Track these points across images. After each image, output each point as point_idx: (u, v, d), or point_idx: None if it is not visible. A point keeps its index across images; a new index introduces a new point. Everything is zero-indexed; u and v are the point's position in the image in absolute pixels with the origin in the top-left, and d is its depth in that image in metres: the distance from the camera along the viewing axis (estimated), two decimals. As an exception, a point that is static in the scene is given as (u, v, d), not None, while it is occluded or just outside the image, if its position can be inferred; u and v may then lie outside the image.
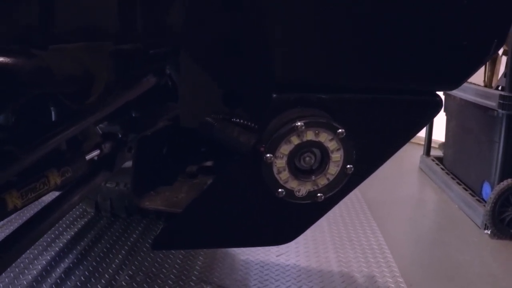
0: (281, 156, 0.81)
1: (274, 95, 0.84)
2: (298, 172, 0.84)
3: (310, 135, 0.80)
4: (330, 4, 0.83)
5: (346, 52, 0.85)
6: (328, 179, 0.84)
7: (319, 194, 0.85)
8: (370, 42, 0.85)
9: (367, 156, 0.89)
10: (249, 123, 0.91)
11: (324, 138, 0.81)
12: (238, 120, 0.92)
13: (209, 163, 1.14)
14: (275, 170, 0.82)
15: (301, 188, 0.84)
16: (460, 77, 0.91)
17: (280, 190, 0.84)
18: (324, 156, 0.84)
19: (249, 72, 0.88)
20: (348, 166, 0.84)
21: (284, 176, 0.82)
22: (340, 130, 0.81)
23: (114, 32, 1.00)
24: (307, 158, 0.82)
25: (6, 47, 0.90)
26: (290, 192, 0.84)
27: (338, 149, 0.83)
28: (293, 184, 0.83)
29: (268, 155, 0.81)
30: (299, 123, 0.79)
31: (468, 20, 0.86)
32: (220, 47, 0.90)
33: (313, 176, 0.84)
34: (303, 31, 0.83)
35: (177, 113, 1.38)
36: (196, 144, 1.20)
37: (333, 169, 0.84)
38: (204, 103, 0.93)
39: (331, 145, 0.82)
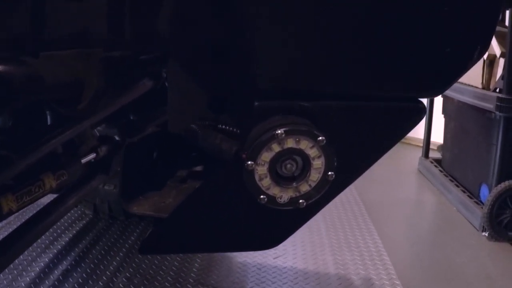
0: (263, 163, 0.82)
1: (256, 103, 0.85)
2: (280, 179, 0.85)
3: (290, 143, 0.82)
4: (312, 12, 0.83)
5: (328, 59, 0.86)
6: (310, 185, 0.85)
7: (301, 201, 0.86)
8: (352, 50, 0.86)
9: (349, 163, 0.90)
10: (234, 130, 0.92)
11: (305, 145, 0.82)
12: (223, 126, 0.93)
13: (199, 168, 1.15)
14: (256, 177, 0.83)
15: (283, 195, 0.85)
16: (443, 84, 0.92)
17: (262, 196, 0.85)
18: (306, 163, 0.85)
19: (234, 79, 0.90)
20: (330, 173, 0.85)
21: (265, 182, 0.84)
22: (320, 138, 0.83)
23: (104, 39, 1.01)
24: (289, 165, 0.84)
25: (-3, 55, 0.91)
26: (272, 199, 0.85)
27: (319, 156, 0.84)
28: (275, 191, 0.84)
29: (249, 162, 0.82)
30: (279, 131, 0.80)
31: (450, 27, 0.87)
32: (206, 54, 0.91)
33: (295, 183, 0.85)
34: (285, 39, 0.84)
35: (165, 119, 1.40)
36: (186, 149, 1.21)
37: (314, 176, 0.85)
38: (191, 109, 0.94)
39: (312, 152, 0.83)
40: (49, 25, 0.98)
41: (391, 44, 0.87)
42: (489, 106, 2.91)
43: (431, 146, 4.16)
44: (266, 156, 0.82)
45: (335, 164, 0.85)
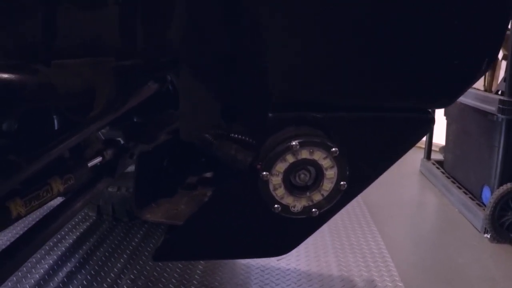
0: (277, 173, 0.84)
1: (271, 114, 0.87)
2: (294, 189, 0.86)
3: (304, 154, 0.83)
4: (327, 27, 0.85)
5: (341, 71, 0.87)
6: (322, 195, 0.87)
7: (313, 210, 0.88)
8: (364, 62, 0.87)
9: (360, 172, 0.92)
10: (247, 139, 0.93)
11: (319, 156, 0.84)
12: (236, 135, 0.94)
13: (208, 175, 1.16)
14: (271, 187, 0.84)
15: (297, 204, 0.86)
16: (452, 95, 0.93)
17: (276, 205, 0.86)
18: (319, 173, 0.86)
19: (246, 91, 0.91)
20: (342, 182, 0.87)
21: (280, 192, 0.85)
22: (333, 149, 0.84)
23: (115, 48, 1.02)
24: (302, 175, 0.85)
25: (9, 63, 0.92)
26: (285, 208, 0.86)
27: (332, 167, 0.85)
28: (288, 200, 0.86)
29: (264, 172, 0.83)
30: (294, 143, 0.82)
31: (460, 40, 0.88)
32: (219, 64, 0.92)
33: (308, 192, 0.87)
34: (299, 51, 0.85)
35: (177, 126, 1.40)
36: (196, 155, 1.22)
37: (327, 186, 0.86)
38: (203, 118, 0.95)
39: (325, 163, 0.85)
40: (61, 33, 0.99)
41: (402, 57, 0.88)
42: (491, 108, 2.92)
43: (433, 148, 4.17)
44: (281, 166, 0.83)
45: (347, 174, 0.86)
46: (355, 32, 0.85)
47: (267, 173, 0.83)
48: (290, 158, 0.83)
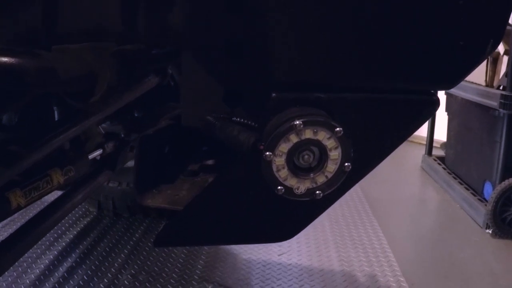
0: (280, 154, 0.83)
1: (274, 94, 0.86)
2: (297, 170, 0.85)
3: (308, 134, 0.82)
4: (329, 5, 0.84)
5: (345, 52, 0.87)
6: (326, 176, 0.86)
7: (317, 192, 0.87)
8: (368, 42, 0.86)
9: (365, 155, 0.91)
10: (249, 122, 0.92)
11: (322, 136, 0.83)
12: (238, 119, 0.93)
13: (210, 162, 1.15)
14: (274, 168, 0.83)
15: (300, 186, 0.85)
16: (456, 77, 0.92)
17: (279, 187, 0.85)
18: (323, 154, 0.85)
19: (249, 72, 0.90)
20: (346, 164, 0.86)
21: (283, 173, 0.84)
22: (338, 129, 0.83)
23: (117, 33, 1.01)
24: (306, 156, 0.84)
25: (10, 47, 0.91)
26: (289, 190, 0.85)
27: (336, 147, 0.84)
28: (292, 182, 0.85)
29: (267, 153, 0.82)
30: (297, 122, 0.81)
31: (464, 20, 0.88)
32: (221, 46, 0.91)
33: (312, 174, 0.86)
34: (302, 31, 0.85)
35: (178, 113, 1.40)
36: (197, 143, 1.21)
37: (331, 167, 0.85)
38: (205, 103, 0.94)
39: (329, 143, 0.84)
40: (61, 18, 0.98)
41: (406, 37, 0.88)
42: (493, 103, 2.92)
43: (434, 144, 4.16)
44: (284, 147, 0.82)
45: (352, 155, 0.85)
46: (359, 12, 0.84)
47: (270, 153, 0.82)
48: (293, 138, 0.82)
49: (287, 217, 0.94)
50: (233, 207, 0.93)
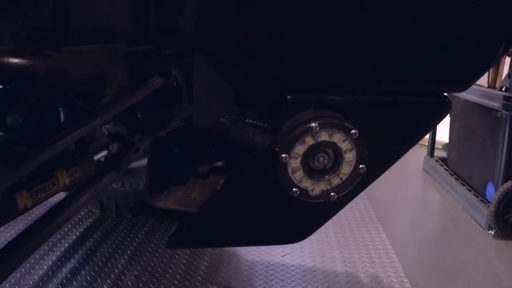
0: (296, 156, 0.82)
1: (289, 97, 0.86)
2: (312, 172, 0.85)
3: (324, 136, 0.82)
4: (345, 8, 0.84)
5: (359, 54, 0.87)
6: (341, 178, 0.86)
7: (332, 193, 0.87)
8: (383, 45, 0.86)
9: (379, 156, 0.91)
10: (262, 124, 0.92)
11: (338, 138, 0.83)
12: (250, 120, 0.93)
13: (220, 163, 1.15)
14: (289, 170, 0.83)
15: (315, 188, 0.85)
16: (468, 79, 0.93)
17: (294, 189, 0.85)
18: (337, 156, 0.85)
19: (264, 74, 0.90)
20: (361, 166, 0.86)
21: (298, 175, 0.84)
22: (353, 131, 0.83)
23: (127, 34, 1.01)
24: (321, 158, 0.84)
25: (21, 48, 0.91)
26: (304, 192, 0.85)
27: (351, 150, 0.84)
28: (307, 184, 0.85)
29: (283, 155, 0.82)
30: (313, 124, 0.81)
31: (476, 24, 0.88)
32: (235, 48, 0.91)
33: (327, 176, 0.85)
34: (318, 34, 0.85)
35: (188, 114, 1.40)
36: (207, 145, 1.21)
37: (346, 169, 0.85)
38: (218, 104, 0.94)
39: (344, 145, 0.84)
40: (72, 19, 0.98)
41: (420, 41, 0.88)
42: (495, 104, 2.92)
43: (436, 145, 4.17)
44: (300, 149, 0.82)
45: (366, 157, 0.85)
46: (374, 16, 0.84)
47: (286, 155, 0.82)
48: (309, 140, 0.82)
49: (301, 219, 0.94)
50: (247, 208, 0.93)
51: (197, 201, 1.02)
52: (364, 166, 0.86)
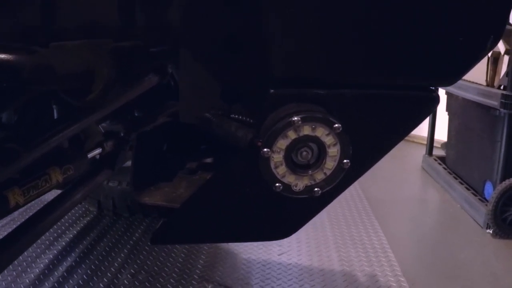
0: (278, 150, 0.82)
1: (272, 91, 0.85)
2: (295, 167, 0.84)
3: (307, 130, 0.81)
4: (329, 2, 0.83)
5: (343, 48, 0.86)
6: (325, 173, 0.85)
7: (316, 189, 0.86)
8: (367, 38, 0.86)
9: (364, 151, 0.90)
10: (247, 119, 0.92)
11: (321, 133, 0.82)
12: (236, 115, 0.92)
13: (208, 160, 1.15)
14: (272, 165, 0.83)
15: (298, 183, 0.85)
16: (456, 73, 0.92)
17: (277, 184, 0.84)
18: (321, 151, 0.84)
19: (247, 68, 0.89)
20: (345, 161, 0.85)
21: (281, 170, 0.83)
22: (336, 125, 0.82)
23: (114, 29, 1.01)
24: (304, 153, 0.83)
25: (7, 44, 0.91)
26: (287, 187, 0.85)
27: (334, 144, 0.84)
28: (290, 179, 0.84)
29: (265, 149, 0.82)
30: (296, 118, 0.80)
31: (464, 16, 0.87)
32: (219, 43, 0.91)
33: (310, 171, 0.85)
34: (301, 28, 0.84)
35: (176, 110, 1.39)
36: (195, 141, 1.20)
37: (330, 164, 0.85)
38: (203, 99, 0.93)
39: (328, 140, 0.83)
40: (59, 15, 0.98)
41: (405, 33, 0.87)
42: (494, 103, 2.91)
43: (434, 144, 4.16)
44: (282, 143, 0.81)
45: (351, 152, 0.85)
46: (357, 8, 0.84)
47: (268, 149, 0.81)
48: (291, 134, 0.81)
49: (285, 215, 0.93)
50: (230, 204, 0.92)
51: (183, 197, 1.01)
52: (348, 161, 0.85)
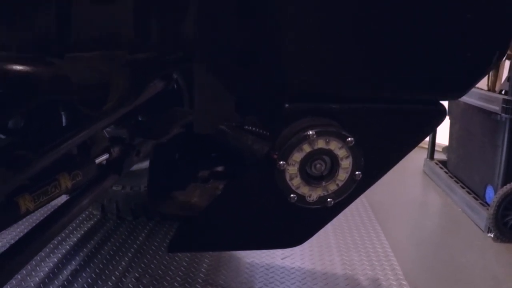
0: (293, 163, 0.84)
1: (287, 105, 0.88)
2: (309, 178, 0.87)
3: (321, 144, 0.84)
4: (342, 18, 0.86)
5: (357, 64, 0.89)
6: (337, 185, 0.87)
7: (329, 199, 0.89)
8: (379, 54, 0.88)
9: (374, 163, 0.92)
10: (261, 131, 0.94)
11: (334, 146, 0.84)
12: (250, 127, 0.95)
13: (220, 168, 1.17)
14: (287, 177, 0.85)
15: (312, 194, 0.87)
16: (463, 88, 0.94)
17: (292, 195, 0.87)
18: (334, 163, 0.87)
19: (263, 82, 0.92)
20: (357, 172, 0.88)
21: (296, 182, 0.86)
22: (349, 139, 0.85)
23: (129, 41, 1.02)
24: (318, 165, 0.86)
25: (24, 55, 0.93)
26: (301, 197, 0.87)
27: (347, 157, 0.86)
28: (304, 190, 0.86)
29: (281, 162, 0.84)
30: (310, 132, 0.82)
31: (471, 32, 0.89)
32: (235, 56, 0.92)
33: (324, 182, 0.87)
34: (316, 44, 0.86)
35: (189, 120, 1.41)
36: (206, 150, 1.22)
37: (342, 176, 0.87)
38: (218, 111, 0.95)
39: (341, 152, 0.86)
40: (74, 26, 0.99)
41: (415, 49, 0.89)
42: (495, 108, 2.93)
43: (436, 148, 4.17)
44: (297, 156, 0.84)
45: (362, 164, 0.87)
46: (371, 26, 0.86)
47: (284, 162, 0.84)
48: (306, 148, 0.84)
49: (299, 224, 0.96)
50: (247, 213, 0.95)
51: (198, 206, 1.04)
52: (360, 172, 0.88)
